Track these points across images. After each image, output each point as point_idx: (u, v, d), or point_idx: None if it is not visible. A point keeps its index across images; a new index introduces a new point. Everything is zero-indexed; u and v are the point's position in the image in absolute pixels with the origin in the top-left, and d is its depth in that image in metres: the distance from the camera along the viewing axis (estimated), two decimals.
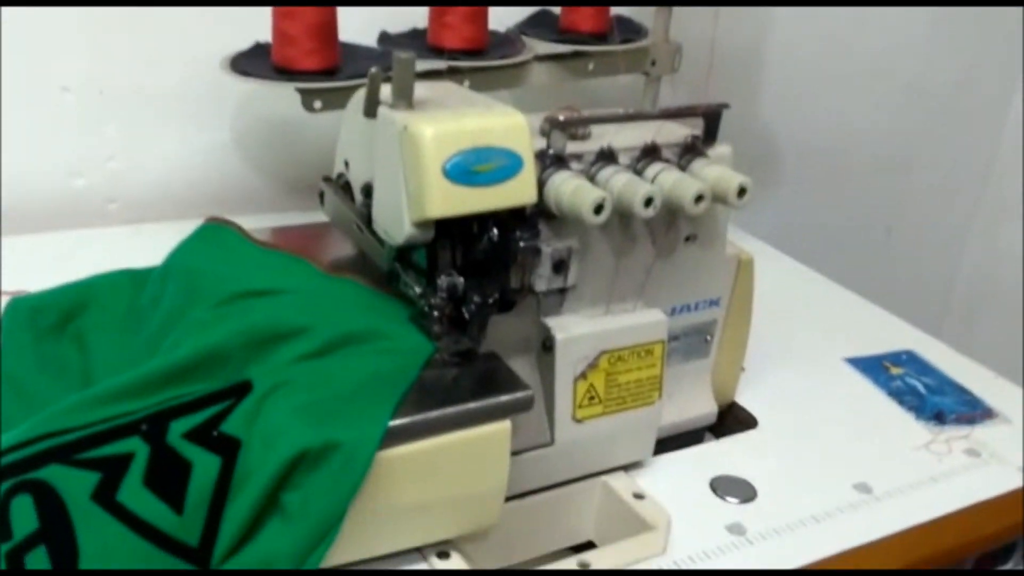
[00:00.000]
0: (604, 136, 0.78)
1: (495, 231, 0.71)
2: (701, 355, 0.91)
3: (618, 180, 0.73)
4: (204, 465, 0.62)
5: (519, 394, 0.69)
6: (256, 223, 0.87)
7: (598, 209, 0.70)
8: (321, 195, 0.85)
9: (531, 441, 0.77)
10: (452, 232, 0.72)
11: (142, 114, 1.15)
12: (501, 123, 0.68)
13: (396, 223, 0.71)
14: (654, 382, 0.82)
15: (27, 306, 0.81)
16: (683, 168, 0.78)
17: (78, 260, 0.93)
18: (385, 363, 0.69)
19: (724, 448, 0.90)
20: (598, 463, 0.82)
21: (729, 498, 0.83)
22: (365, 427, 0.63)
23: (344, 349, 0.69)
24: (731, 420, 0.96)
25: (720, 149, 0.81)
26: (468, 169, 0.67)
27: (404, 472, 0.66)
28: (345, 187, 0.82)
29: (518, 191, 0.69)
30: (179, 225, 0.87)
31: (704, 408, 0.92)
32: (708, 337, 0.90)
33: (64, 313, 0.82)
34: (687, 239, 0.83)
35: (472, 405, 0.67)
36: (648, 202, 0.72)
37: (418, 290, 0.73)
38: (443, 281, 0.71)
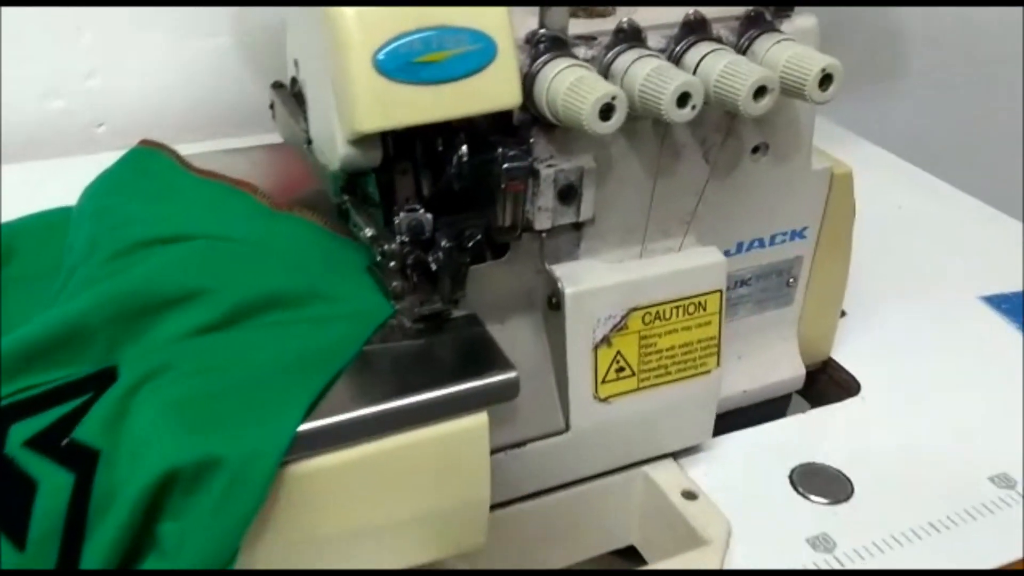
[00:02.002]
0: (633, 13, 0.56)
1: (463, 149, 0.51)
2: (782, 302, 0.69)
3: (640, 69, 0.51)
4: (52, 484, 0.45)
5: (496, 376, 0.50)
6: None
7: (606, 113, 0.48)
8: (272, 106, 0.66)
9: (537, 428, 0.58)
10: (413, 151, 0.53)
11: (122, 17, 0.98)
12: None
13: (329, 141, 0.51)
14: (710, 345, 0.61)
15: None
16: (742, 50, 0.56)
17: (69, 192, 0.77)
18: (315, 336, 0.50)
19: (811, 424, 0.68)
20: (634, 452, 0.62)
21: (815, 497, 0.62)
22: (263, 433, 0.45)
23: (255, 318, 0.50)
24: (825, 383, 0.74)
25: (799, 21, 0.58)
26: (410, 60, 0.47)
27: (338, 490, 0.48)
28: (298, 96, 0.62)
29: (490, 90, 0.48)
30: (183, 149, 0.71)
31: (787, 370, 0.70)
32: (791, 279, 0.68)
33: None
34: (755, 150, 0.61)
35: (428, 395, 0.48)
36: (683, 99, 0.50)
37: (369, 232, 0.54)
38: (402, 220, 0.52)
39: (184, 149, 0.73)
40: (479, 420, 0.49)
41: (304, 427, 0.46)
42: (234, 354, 0.48)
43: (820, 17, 0.60)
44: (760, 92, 0.51)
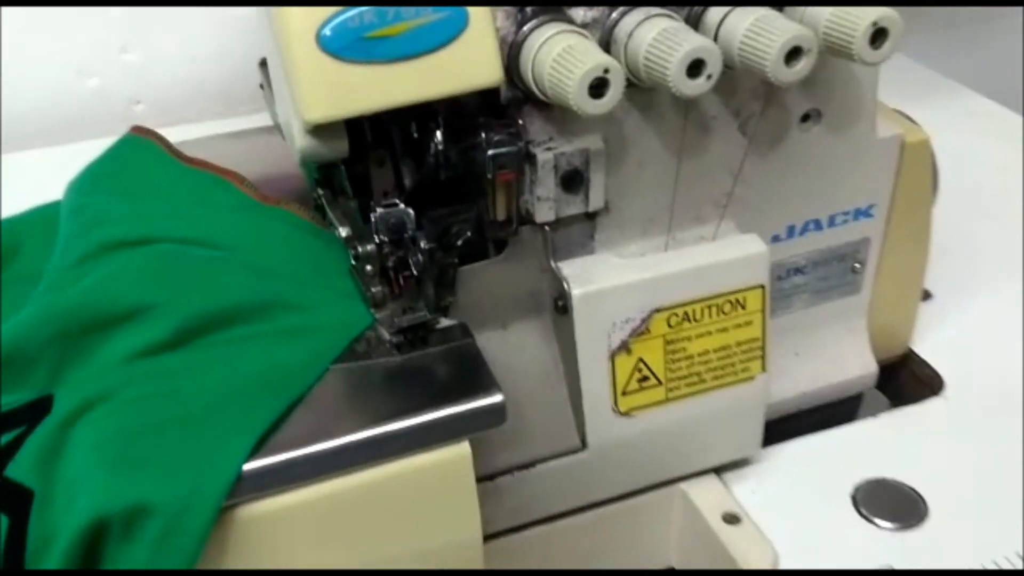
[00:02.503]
0: None
1: (438, 135, 0.44)
2: (847, 291, 0.59)
3: (646, 33, 0.42)
4: None
5: (477, 401, 0.43)
6: None
7: (597, 88, 0.40)
8: (262, 86, 0.59)
9: (549, 446, 0.51)
10: (390, 140, 0.46)
11: None
12: None
13: (289, 132, 0.45)
14: (752, 348, 0.52)
15: None
16: (778, 5, 0.46)
17: None
18: (275, 355, 0.44)
19: (881, 431, 0.59)
20: (666, 469, 0.54)
21: (880, 520, 0.53)
22: (201, 474, 0.39)
23: (209, 336, 0.45)
24: (905, 378, 0.65)
25: None
26: (360, 36, 0.40)
27: (297, 534, 0.42)
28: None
29: (461, 66, 0.41)
30: (222, 124, 0.66)
31: (856, 367, 0.61)
32: (856, 265, 0.58)
33: None
34: (805, 118, 0.52)
35: (396, 424, 0.42)
36: (695, 67, 0.41)
37: (344, 232, 0.47)
38: (379, 216, 0.45)
39: (224, 125, 0.67)
40: (460, 451, 0.43)
41: (251, 465, 0.40)
42: (181, 379, 0.43)
43: None
44: (794, 54, 0.42)
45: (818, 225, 0.56)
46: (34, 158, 0.88)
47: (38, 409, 0.42)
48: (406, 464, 0.42)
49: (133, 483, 0.39)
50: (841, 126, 0.52)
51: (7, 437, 0.42)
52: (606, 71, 0.40)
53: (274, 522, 0.41)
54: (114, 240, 0.50)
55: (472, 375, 0.44)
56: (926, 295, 0.67)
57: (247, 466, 0.40)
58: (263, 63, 0.59)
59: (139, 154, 0.59)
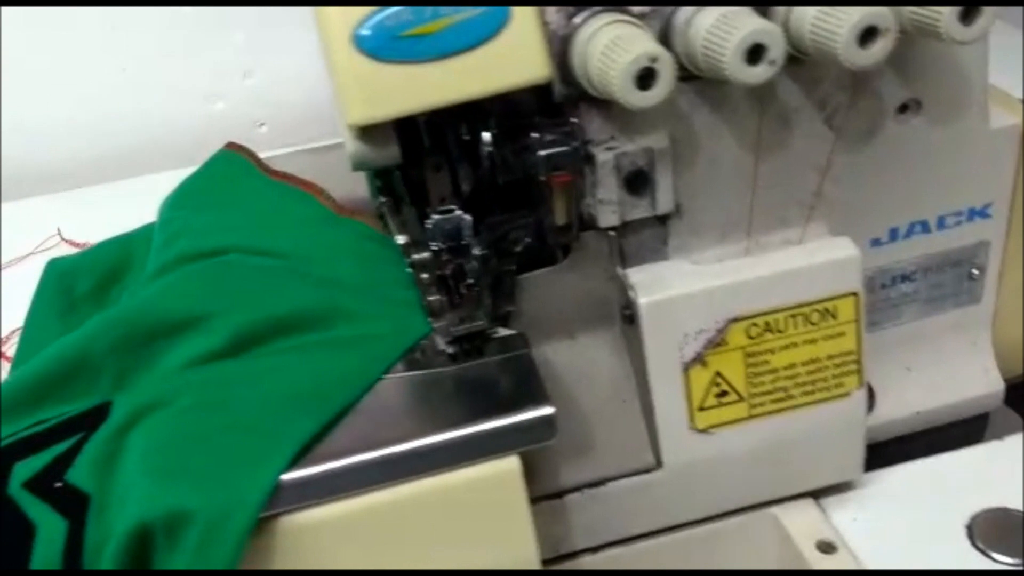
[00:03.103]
0: None
1: (486, 136, 0.42)
2: (965, 300, 0.54)
3: (704, 20, 0.40)
4: (48, 530, 0.42)
5: (525, 414, 0.41)
6: None
7: (644, 79, 0.38)
8: None
9: (621, 464, 0.48)
10: (446, 144, 0.45)
11: (274, 12, 0.96)
12: None
13: (345, 136, 0.44)
14: (846, 361, 0.48)
15: (60, 270, 0.66)
16: None
17: None
18: (328, 364, 0.44)
19: (1004, 454, 0.53)
20: (754, 492, 0.50)
21: (998, 555, 0.48)
22: (241, 483, 0.39)
23: (266, 344, 0.45)
24: None
25: None
26: (396, 34, 0.38)
27: (338, 545, 0.41)
28: None
29: (504, 62, 0.39)
30: (334, 149, 0.67)
31: (978, 385, 0.55)
32: (974, 271, 0.53)
33: (103, 275, 0.65)
34: (902, 108, 0.47)
35: (437, 437, 0.40)
36: (755, 53, 0.38)
37: (401, 240, 0.46)
38: (435, 223, 0.44)
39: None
40: (508, 466, 0.41)
41: (291, 476, 0.39)
42: (234, 387, 0.43)
43: None
44: (869, 35, 0.38)
45: (925, 227, 0.51)
46: (167, 179, 0.92)
47: (97, 416, 0.43)
48: (451, 478, 0.40)
49: (174, 490, 0.39)
50: (946, 116, 0.48)
51: (68, 443, 0.43)
52: (653, 60, 0.37)
53: (315, 533, 0.40)
54: (191, 252, 0.51)
55: (524, 386, 0.42)
56: None
57: (287, 476, 0.39)
58: None
59: (229, 169, 0.61)
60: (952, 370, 0.55)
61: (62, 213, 0.84)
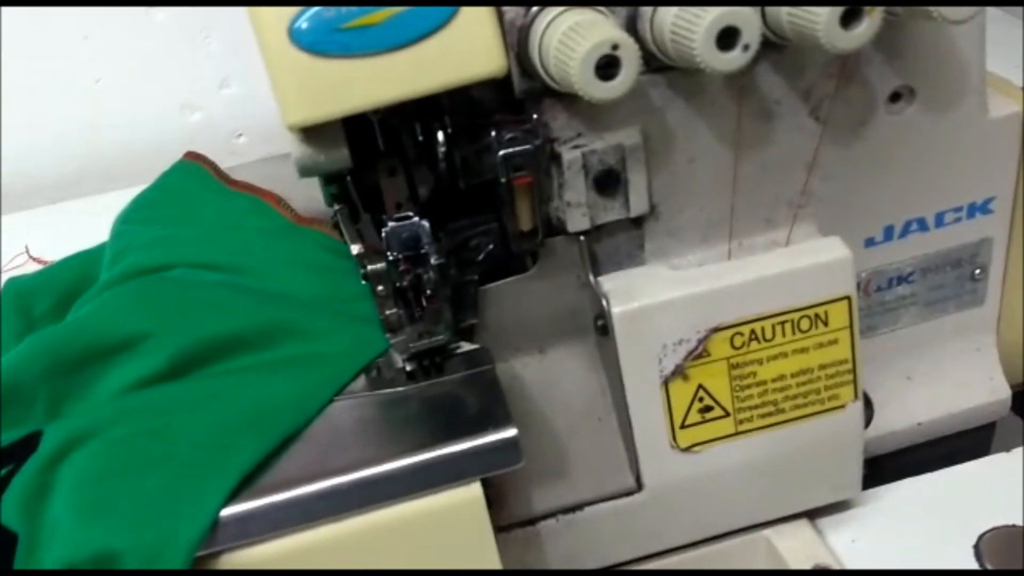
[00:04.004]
0: None
1: (440, 136, 0.39)
2: (967, 302, 0.50)
3: (669, 8, 0.36)
4: None
5: (486, 437, 0.37)
6: None
7: (605, 68, 0.34)
8: None
9: (598, 487, 0.45)
10: (401, 145, 0.41)
11: (248, 23, 0.93)
12: None
13: (291, 141, 0.41)
14: (839, 371, 0.44)
15: (19, 289, 0.63)
16: None
17: None
18: (274, 386, 0.40)
19: (1013, 468, 0.49)
20: (744, 514, 0.47)
21: None
22: (174, 521, 0.36)
23: (208, 366, 0.41)
24: None
25: None
26: (336, 26, 0.35)
27: None
28: None
29: (455, 55, 0.36)
30: (284, 159, 0.65)
31: (982, 392, 0.52)
32: (977, 270, 0.49)
33: (63, 294, 0.62)
34: (894, 97, 0.44)
35: (391, 464, 0.37)
36: (727, 37, 0.35)
37: (355, 250, 0.43)
38: (390, 230, 0.41)
39: None
40: (469, 494, 0.37)
41: (231, 511, 0.36)
42: (173, 414, 0.39)
43: None
44: (852, 15, 0.35)
45: (923, 225, 0.47)
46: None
47: (27, 446, 0.40)
48: (407, 509, 0.37)
49: (102, 529, 0.36)
50: (941, 105, 0.44)
51: None
52: (615, 47, 0.34)
53: (260, 571, 0.37)
54: (134, 269, 0.48)
55: (486, 407, 0.39)
56: None
57: (226, 511, 0.36)
58: None
59: (185, 180, 0.57)
60: (955, 378, 0.51)
61: (33, 230, 0.81)
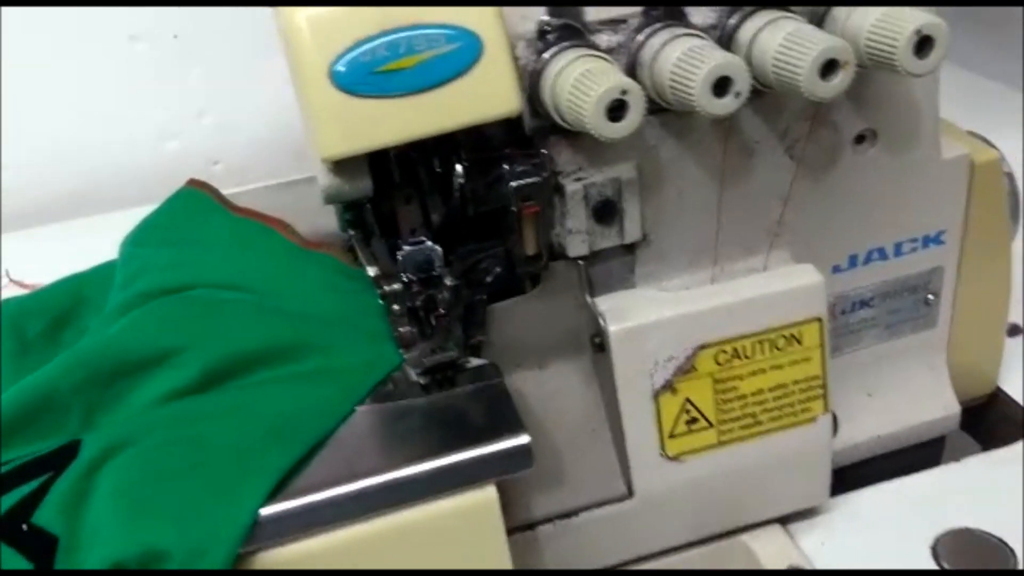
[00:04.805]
0: None
1: (459, 168, 0.43)
2: (921, 325, 0.55)
3: (670, 53, 0.41)
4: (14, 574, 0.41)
5: (502, 443, 0.41)
6: None
7: (615, 111, 0.39)
8: None
9: (593, 493, 0.49)
10: (416, 176, 0.45)
11: (227, 53, 0.96)
12: None
13: (316, 170, 0.44)
14: (812, 386, 0.49)
15: (10, 311, 0.64)
16: (818, 19, 0.44)
17: None
18: (299, 397, 0.43)
19: (966, 477, 0.54)
20: (723, 519, 0.51)
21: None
22: (216, 521, 0.38)
23: (236, 379, 0.44)
24: (993, 419, 0.60)
25: None
26: (372, 70, 0.39)
27: None
28: None
29: (476, 97, 0.40)
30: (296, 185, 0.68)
31: (935, 408, 0.56)
32: (929, 296, 0.54)
33: (56, 317, 0.63)
34: (859, 139, 0.49)
35: (415, 468, 0.40)
36: (722, 85, 0.39)
37: (372, 272, 0.46)
38: (406, 254, 0.44)
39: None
40: (485, 496, 0.41)
41: (268, 510, 0.39)
42: (204, 423, 0.42)
43: None
44: (830, 67, 0.40)
45: (883, 254, 0.52)
46: (119, 219, 0.91)
47: (65, 455, 0.42)
48: (429, 509, 0.40)
49: (148, 528, 0.38)
50: (900, 147, 0.49)
51: (34, 484, 0.42)
52: (624, 92, 0.38)
53: (295, 568, 0.40)
54: (154, 288, 0.51)
55: (498, 416, 0.42)
56: (1014, 330, 0.62)
57: (264, 511, 0.39)
58: None
59: (191, 205, 0.60)
60: (911, 394, 0.56)
61: (11, 254, 0.82)
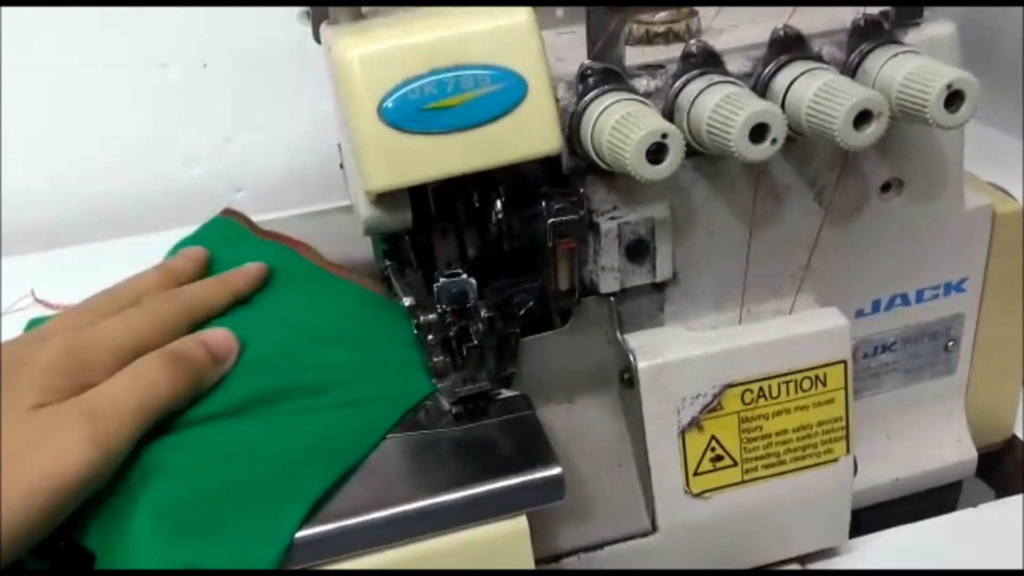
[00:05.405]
0: (714, 36, 0.48)
1: (499, 204, 0.44)
2: (941, 371, 0.56)
3: (708, 99, 0.42)
4: None
5: (534, 474, 0.42)
6: None
7: (656, 154, 0.40)
8: (342, 166, 0.61)
9: (617, 528, 0.49)
10: (454, 210, 0.46)
11: (255, 83, 0.97)
12: (485, 28, 0.40)
13: (356, 204, 0.46)
14: (835, 427, 0.50)
15: None
16: (851, 69, 0.45)
17: None
18: (332, 424, 0.44)
19: (983, 522, 0.55)
20: (743, 558, 0.51)
21: None
22: (254, 542, 0.39)
23: (272, 406, 0.45)
24: (1009, 467, 0.61)
25: (931, 30, 0.47)
26: (421, 107, 0.40)
27: None
28: None
29: (520, 136, 0.41)
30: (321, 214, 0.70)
31: (952, 453, 0.57)
32: (950, 342, 0.55)
33: None
34: (885, 188, 0.50)
35: (447, 496, 0.41)
36: (759, 132, 0.40)
37: (407, 302, 0.47)
38: (442, 286, 0.45)
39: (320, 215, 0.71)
40: (516, 526, 0.41)
41: (303, 534, 0.40)
42: (239, 445, 0.43)
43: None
44: (863, 118, 0.41)
45: (905, 300, 0.53)
46: (141, 243, 0.92)
47: None
48: (460, 538, 0.41)
49: (187, 547, 0.39)
50: (925, 196, 0.50)
51: None
52: (664, 136, 0.40)
53: None
54: None
55: (530, 447, 0.43)
56: None
57: (299, 534, 0.39)
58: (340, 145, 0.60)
59: (223, 232, 0.61)
60: (929, 439, 0.57)
61: (38, 274, 0.83)
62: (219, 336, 0.47)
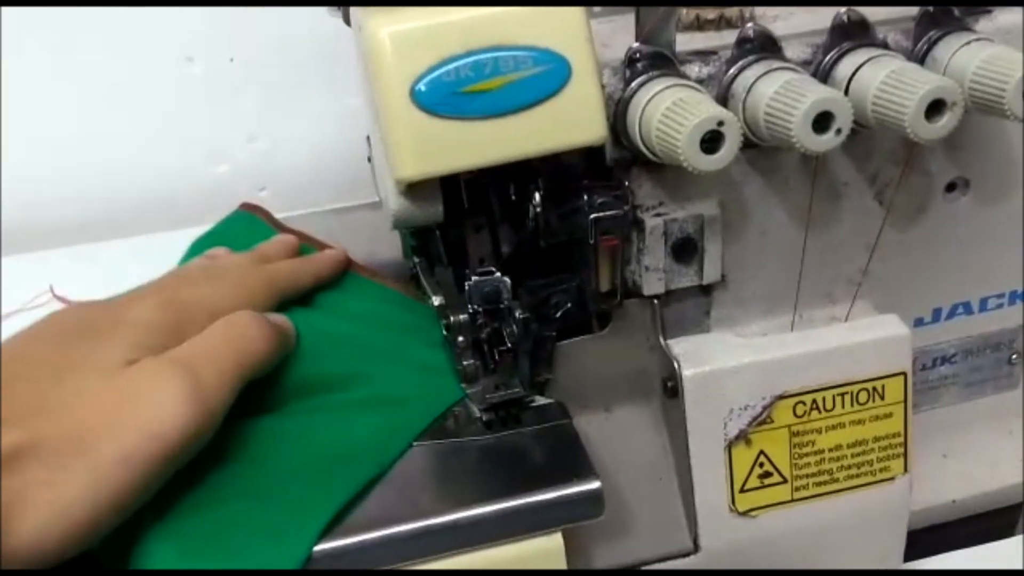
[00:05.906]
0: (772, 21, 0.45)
1: (537, 198, 0.41)
2: (1003, 385, 0.53)
3: (767, 87, 0.39)
4: None
5: (571, 488, 0.39)
6: None
7: (710, 143, 0.37)
8: (369, 159, 0.58)
9: (657, 547, 0.46)
10: (487, 202, 0.43)
11: (284, 80, 0.95)
12: (527, 7, 0.38)
13: (385, 197, 0.43)
14: (892, 444, 0.46)
15: None
16: (919, 57, 0.42)
17: None
18: (355, 427, 0.41)
19: None
20: None
21: None
22: (271, 552, 0.36)
23: (289, 404, 0.42)
24: None
25: (1003, 19, 0.44)
26: (456, 90, 0.37)
27: None
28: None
29: (562, 123, 0.38)
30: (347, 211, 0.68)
31: (1013, 474, 0.54)
32: (1014, 355, 0.52)
33: None
34: (950, 187, 0.47)
35: (478, 510, 0.38)
36: (822, 121, 0.37)
37: (437, 301, 0.44)
38: (473, 285, 0.43)
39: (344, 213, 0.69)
40: (551, 544, 0.38)
41: (323, 547, 0.37)
42: (257, 448, 0.40)
43: None
44: (935, 108, 0.37)
45: (968, 308, 0.50)
46: (163, 240, 0.90)
47: None
48: (490, 555, 0.38)
49: (201, 558, 0.36)
50: (992, 197, 0.47)
51: None
52: (720, 124, 0.36)
53: None
54: None
55: (567, 459, 0.40)
56: None
57: (319, 547, 0.37)
58: (369, 136, 0.58)
59: (244, 227, 0.59)
60: (987, 458, 0.53)
61: (57, 270, 0.81)
62: (284, 319, 0.44)
